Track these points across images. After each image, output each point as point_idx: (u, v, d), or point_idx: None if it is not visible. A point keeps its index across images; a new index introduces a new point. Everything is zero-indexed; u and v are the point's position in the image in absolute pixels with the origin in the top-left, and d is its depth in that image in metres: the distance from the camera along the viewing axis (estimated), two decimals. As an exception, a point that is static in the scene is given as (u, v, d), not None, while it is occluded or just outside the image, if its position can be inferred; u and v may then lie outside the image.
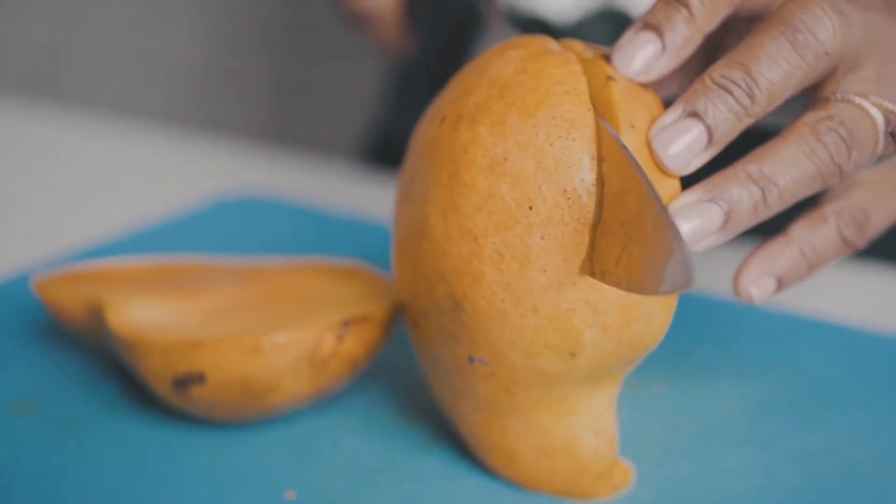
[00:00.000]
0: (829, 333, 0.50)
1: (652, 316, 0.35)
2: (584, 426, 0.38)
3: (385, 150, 0.81)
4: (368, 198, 0.68)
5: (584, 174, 0.34)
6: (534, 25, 0.66)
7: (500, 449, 0.39)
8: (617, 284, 0.33)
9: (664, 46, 0.36)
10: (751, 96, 0.34)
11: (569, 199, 0.34)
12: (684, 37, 0.35)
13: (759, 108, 0.34)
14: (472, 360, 0.37)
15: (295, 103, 1.54)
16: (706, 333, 0.50)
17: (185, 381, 0.40)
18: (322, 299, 0.44)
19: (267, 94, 1.57)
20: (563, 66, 0.36)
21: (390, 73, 0.86)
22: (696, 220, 0.34)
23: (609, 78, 0.35)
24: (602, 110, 0.35)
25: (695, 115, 0.34)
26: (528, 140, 0.34)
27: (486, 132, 0.35)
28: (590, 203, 0.34)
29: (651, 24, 0.36)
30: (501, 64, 0.37)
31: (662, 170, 0.35)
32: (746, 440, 0.42)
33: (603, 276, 0.34)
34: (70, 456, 0.40)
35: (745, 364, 0.47)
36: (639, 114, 0.35)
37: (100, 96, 1.64)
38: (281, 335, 0.39)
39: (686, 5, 0.35)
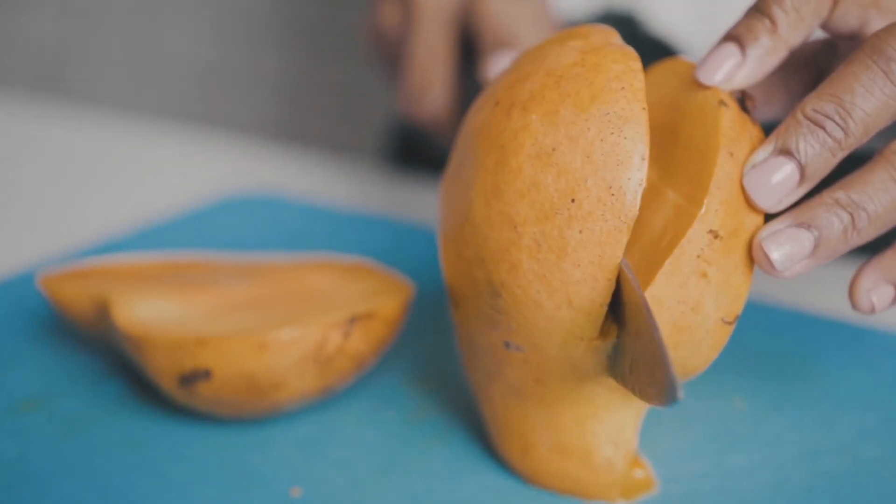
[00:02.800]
0: (837, 332, 0.49)
1: (700, 345, 0.35)
2: (605, 434, 0.37)
3: (406, 150, 0.81)
4: (375, 195, 0.68)
5: (632, 173, 0.34)
6: None
7: (518, 439, 0.38)
8: (631, 391, 0.34)
9: (745, 57, 0.36)
10: (844, 129, 0.34)
11: (613, 195, 0.34)
12: (767, 48, 0.35)
13: (854, 140, 0.34)
14: (508, 345, 0.36)
15: (303, 101, 1.54)
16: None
17: (191, 378, 0.39)
18: (329, 296, 0.44)
19: (275, 92, 1.57)
20: (622, 61, 0.36)
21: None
22: (786, 245, 0.34)
23: (721, 103, 0.35)
24: (706, 134, 0.35)
25: (786, 152, 0.34)
26: (579, 133, 0.34)
27: (537, 121, 0.35)
28: (634, 202, 0.34)
29: (734, 36, 0.36)
30: (560, 53, 0.37)
31: (753, 206, 0.34)
32: (754, 439, 0.41)
33: (623, 382, 0.34)
34: (76, 453, 0.40)
35: (752, 362, 0.47)
36: (740, 144, 0.35)
37: (107, 94, 1.64)
38: (286, 332, 0.39)
39: (769, 17, 0.35)
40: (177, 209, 0.64)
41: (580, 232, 0.34)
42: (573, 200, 0.34)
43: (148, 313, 0.42)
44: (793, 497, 0.38)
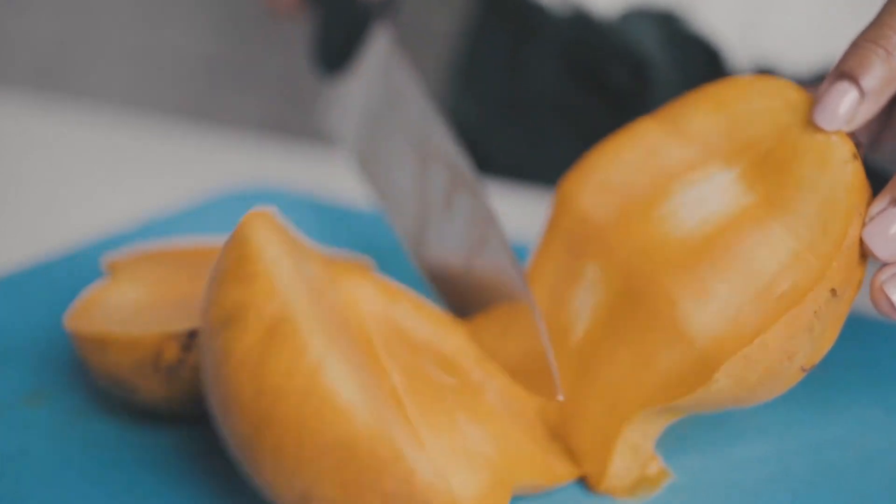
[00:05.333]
0: (843, 324, 0.49)
1: (776, 386, 0.35)
2: (627, 440, 0.37)
3: None
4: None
5: None
6: (581, 21, 0.65)
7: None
8: None
9: (863, 92, 0.34)
10: None
11: None
12: (883, 78, 0.34)
13: None
14: None
15: (304, 97, 1.54)
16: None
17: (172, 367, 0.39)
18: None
19: (277, 87, 1.57)
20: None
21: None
22: None
23: (854, 157, 0.34)
24: (835, 185, 0.34)
25: None
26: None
27: None
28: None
29: (845, 72, 0.34)
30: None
31: (869, 257, 0.34)
32: (758, 431, 0.41)
33: None
34: (80, 446, 0.40)
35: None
36: (864, 201, 0.34)
37: (109, 89, 1.64)
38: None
39: (881, 45, 0.34)
40: (178, 204, 0.64)
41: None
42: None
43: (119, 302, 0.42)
44: (796, 489, 0.38)
